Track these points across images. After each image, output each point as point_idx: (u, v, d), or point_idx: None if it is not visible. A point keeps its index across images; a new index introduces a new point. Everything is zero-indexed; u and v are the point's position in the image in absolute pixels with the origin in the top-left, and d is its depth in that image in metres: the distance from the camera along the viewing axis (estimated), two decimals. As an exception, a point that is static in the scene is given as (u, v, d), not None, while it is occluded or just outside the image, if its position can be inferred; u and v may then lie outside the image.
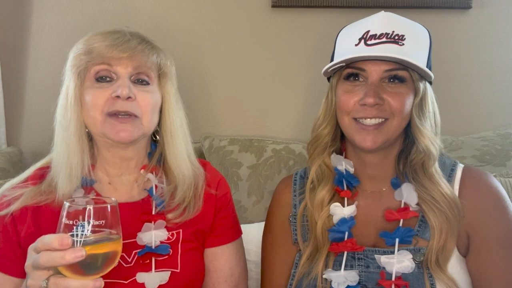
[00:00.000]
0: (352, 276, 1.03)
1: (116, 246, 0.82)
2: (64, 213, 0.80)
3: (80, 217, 0.78)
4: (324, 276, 1.05)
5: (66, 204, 0.80)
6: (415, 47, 1.06)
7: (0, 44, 1.76)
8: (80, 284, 0.78)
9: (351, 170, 1.14)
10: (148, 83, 1.11)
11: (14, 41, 1.77)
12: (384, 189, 1.13)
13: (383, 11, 1.11)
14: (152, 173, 1.15)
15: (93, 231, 0.79)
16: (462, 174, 1.10)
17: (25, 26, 1.77)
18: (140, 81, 1.10)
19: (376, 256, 1.04)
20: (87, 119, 1.08)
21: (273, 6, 1.77)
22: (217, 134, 1.79)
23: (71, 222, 0.78)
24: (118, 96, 1.05)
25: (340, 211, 1.10)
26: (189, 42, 1.78)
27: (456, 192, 1.07)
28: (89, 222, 0.78)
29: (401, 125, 1.07)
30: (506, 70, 1.82)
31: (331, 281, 1.04)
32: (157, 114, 1.13)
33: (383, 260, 1.02)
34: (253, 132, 1.83)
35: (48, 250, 0.78)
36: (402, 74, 1.05)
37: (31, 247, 0.83)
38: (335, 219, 1.10)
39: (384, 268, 1.02)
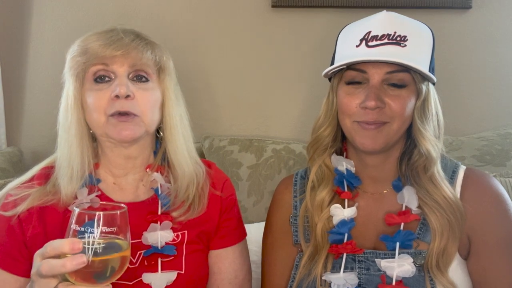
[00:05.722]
0: (352, 279, 1.02)
1: (126, 254, 0.81)
2: (74, 219, 0.79)
3: (90, 223, 0.77)
4: (323, 278, 1.04)
5: (76, 210, 0.79)
6: (418, 48, 1.04)
7: (0, 44, 1.76)
8: None
9: (352, 169, 1.13)
10: (147, 80, 1.10)
11: (14, 42, 1.77)
12: (385, 191, 1.12)
13: (385, 11, 1.08)
14: (158, 172, 1.15)
15: (102, 237, 0.78)
16: (464, 176, 1.09)
17: (25, 26, 1.77)
18: (139, 78, 1.09)
19: (377, 260, 1.03)
20: (90, 121, 1.08)
21: (273, 6, 1.77)
22: (217, 134, 1.79)
23: (81, 228, 0.77)
24: (117, 96, 1.04)
25: (341, 212, 1.09)
26: (189, 42, 1.78)
27: (458, 194, 1.06)
28: (99, 229, 0.77)
29: (402, 128, 1.06)
30: (506, 70, 1.82)
31: (330, 283, 1.04)
32: (158, 111, 1.12)
33: (384, 264, 1.02)
34: (253, 132, 1.82)
35: (58, 254, 0.77)
36: (403, 76, 1.03)
37: (37, 254, 0.81)
38: (335, 220, 1.09)
39: (384, 272, 1.02)
